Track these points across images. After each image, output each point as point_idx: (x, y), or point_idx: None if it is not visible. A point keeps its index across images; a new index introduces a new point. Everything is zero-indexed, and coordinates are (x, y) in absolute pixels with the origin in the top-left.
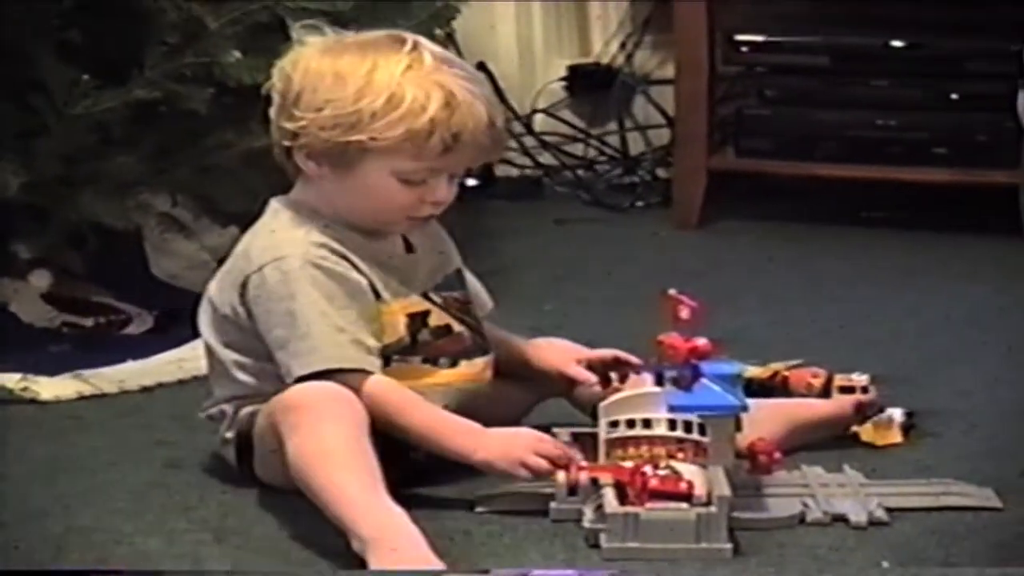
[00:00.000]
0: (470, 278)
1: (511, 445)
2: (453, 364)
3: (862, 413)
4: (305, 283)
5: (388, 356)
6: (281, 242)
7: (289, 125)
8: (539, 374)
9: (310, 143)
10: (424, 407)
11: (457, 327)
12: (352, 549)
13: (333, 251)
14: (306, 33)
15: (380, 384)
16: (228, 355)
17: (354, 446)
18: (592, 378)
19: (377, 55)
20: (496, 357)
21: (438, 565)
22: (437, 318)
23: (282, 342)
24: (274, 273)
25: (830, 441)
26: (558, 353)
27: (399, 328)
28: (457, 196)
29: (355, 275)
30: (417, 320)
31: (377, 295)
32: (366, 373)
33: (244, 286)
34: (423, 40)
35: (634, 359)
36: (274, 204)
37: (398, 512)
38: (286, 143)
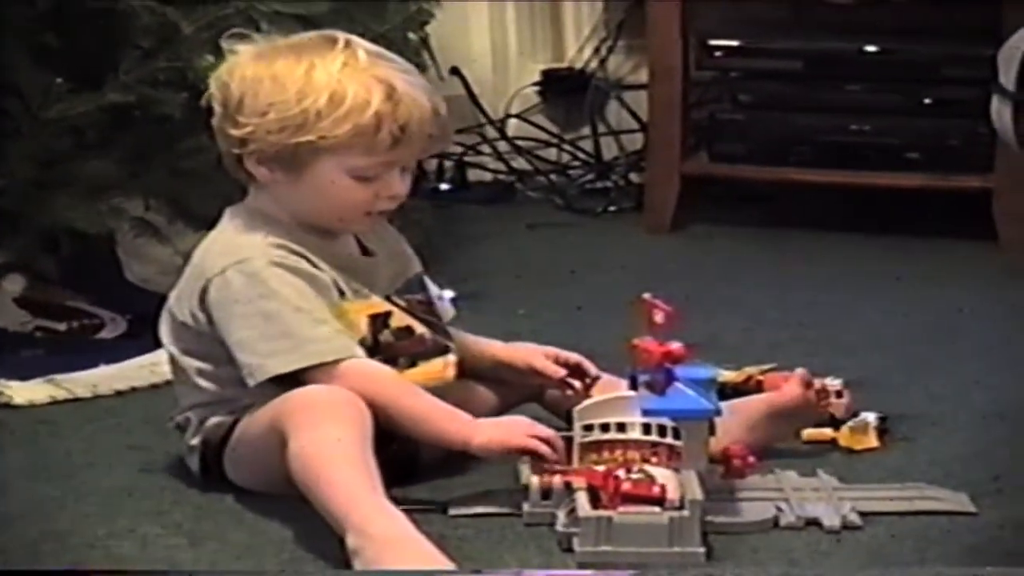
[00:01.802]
0: (431, 286)
1: (510, 430)
2: (411, 365)
3: (824, 400)
4: (273, 282)
5: None
6: (240, 245)
7: (235, 132)
8: (509, 371)
9: (259, 148)
10: (417, 393)
11: (419, 329)
12: (345, 547)
13: (292, 251)
14: (235, 42)
15: (367, 367)
16: (189, 362)
17: (357, 448)
18: (560, 371)
19: (312, 55)
20: (466, 359)
21: (448, 564)
22: (399, 319)
23: (247, 343)
24: (237, 276)
25: (805, 445)
26: (527, 350)
27: (361, 328)
28: (430, 199)
29: (318, 272)
30: (379, 321)
31: (341, 293)
32: (357, 358)
33: (204, 291)
34: (354, 38)
35: (593, 369)
36: (228, 212)
37: (399, 514)
38: (235, 151)
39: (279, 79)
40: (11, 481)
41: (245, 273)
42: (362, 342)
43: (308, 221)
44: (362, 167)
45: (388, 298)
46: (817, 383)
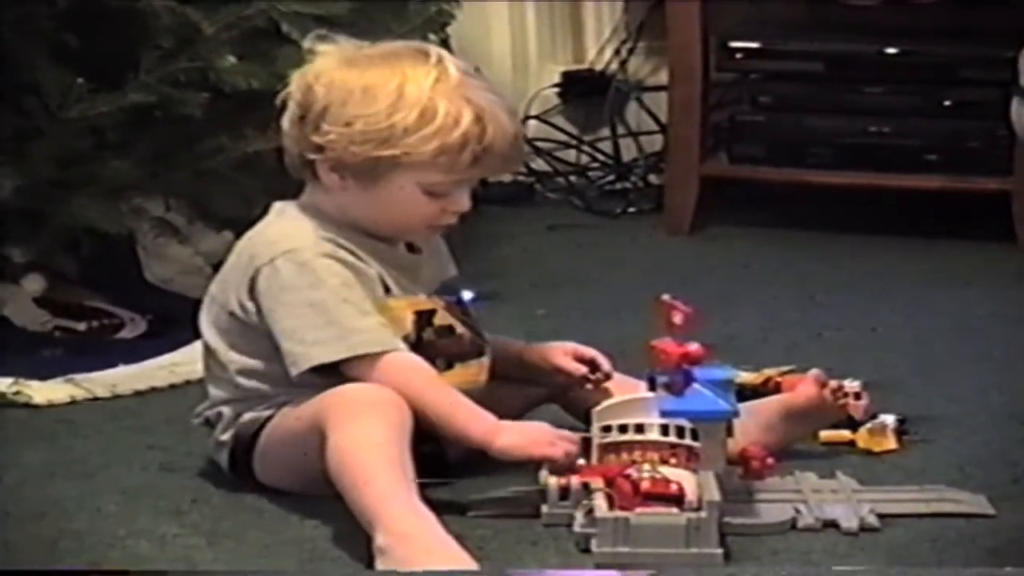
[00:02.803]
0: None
1: (532, 437)
2: (449, 367)
3: (842, 400)
4: (323, 272)
5: None
6: (291, 235)
7: (316, 139)
8: (532, 369)
9: (338, 156)
10: (445, 390)
11: (459, 328)
12: (371, 545)
13: (340, 245)
14: (319, 42)
15: (407, 360)
16: (231, 357)
17: (394, 446)
18: (581, 369)
19: (404, 68)
20: (493, 360)
21: (473, 565)
22: (442, 318)
23: (294, 332)
24: (288, 265)
25: (824, 447)
26: (549, 349)
27: (407, 324)
28: None
29: (365, 267)
30: (423, 318)
31: (387, 289)
32: (398, 351)
33: (254, 279)
34: (445, 53)
35: (605, 364)
36: (278, 206)
37: (431, 516)
38: (310, 155)
39: (370, 91)
40: (30, 480)
41: (295, 262)
42: (405, 338)
43: (367, 227)
44: (436, 183)
45: (430, 297)
46: (833, 383)
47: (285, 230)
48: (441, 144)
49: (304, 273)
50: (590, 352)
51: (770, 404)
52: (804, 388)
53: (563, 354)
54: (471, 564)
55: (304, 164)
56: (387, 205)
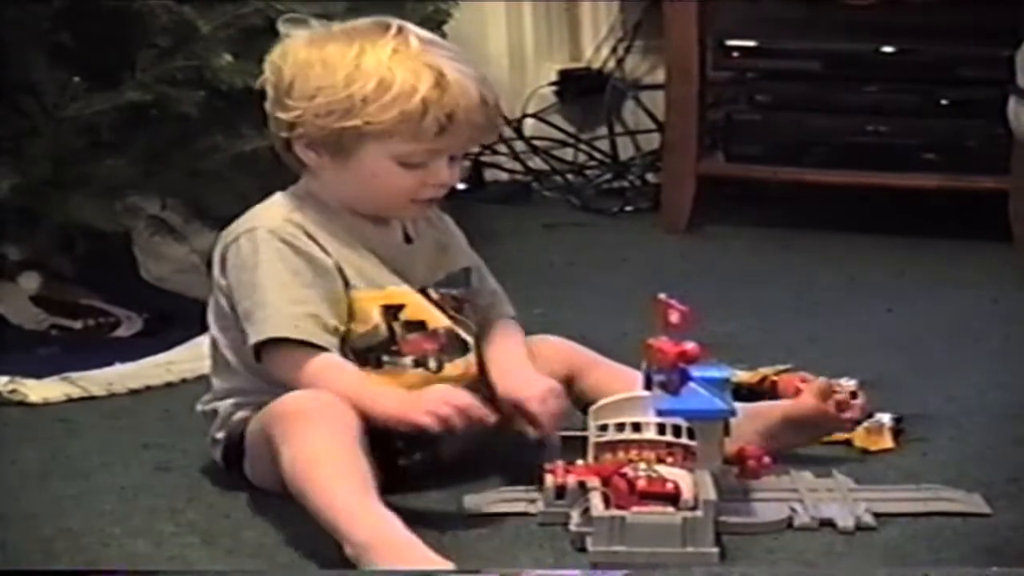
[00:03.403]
0: (491, 284)
1: (409, 402)
2: (439, 368)
3: (846, 411)
4: (271, 253)
5: (376, 354)
6: (259, 215)
7: (283, 115)
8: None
9: (307, 132)
10: (349, 376)
11: (433, 323)
12: (345, 555)
13: (306, 232)
14: (291, 26)
15: (327, 362)
16: (223, 346)
17: (346, 453)
18: (544, 429)
19: (364, 41)
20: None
21: (444, 565)
22: (412, 312)
23: (247, 313)
24: (246, 243)
25: (821, 446)
26: (527, 388)
27: (373, 316)
28: (446, 199)
29: (322, 255)
30: (390, 312)
31: (346, 282)
32: (319, 348)
33: (224, 256)
34: (408, 24)
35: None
36: (278, 193)
37: (391, 517)
38: (283, 134)
39: (329, 63)
40: (26, 479)
41: (252, 241)
42: (375, 331)
43: (354, 207)
44: (407, 153)
45: (424, 289)
46: (838, 395)
47: (257, 211)
48: (401, 111)
49: (255, 252)
50: (547, 409)
51: (772, 411)
52: (806, 398)
53: (537, 401)
54: (437, 562)
55: (285, 146)
56: (363, 179)
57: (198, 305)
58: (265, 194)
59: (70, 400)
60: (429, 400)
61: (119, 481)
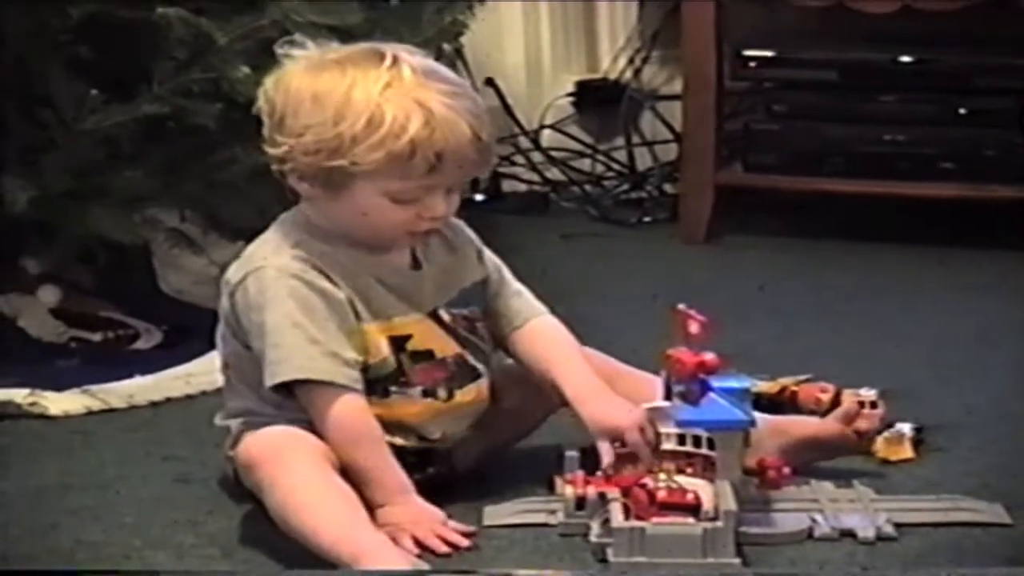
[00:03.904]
0: (515, 285)
1: (413, 519)
2: (449, 396)
3: (866, 436)
4: (281, 293)
5: (384, 384)
6: (264, 253)
7: (273, 151)
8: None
9: (297, 167)
10: (372, 448)
11: (440, 352)
12: None
13: (314, 266)
14: (290, 49)
15: (351, 409)
16: (232, 371)
17: (322, 486)
18: (610, 459)
19: (356, 72)
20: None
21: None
22: (419, 342)
23: (261, 354)
24: (253, 284)
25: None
26: (614, 411)
27: (382, 350)
28: (464, 210)
29: (333, 289)
30: (397, 343)
31: (357, 315)
32: (341, 387)
33: (232, 298)
34: (403, 53)
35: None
36: (281, 217)
37: (379, 534)
38: (275, 167)
39: (319, 98)
40: (46, 491)
41: (260, 281)
42: (384, 363)
43: (351, 236)
44: (397, 190)
45: (435, 312)
46: (862, 423)
47: (261, 247)
48: (388, 152)
49: (263, 292)
50: (640, 440)
51: (795, 429)
52: (831, 424)
53: (637, 433)
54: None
55: (281, 175)
56: (357, 213)
57: (216, 317)
58: (284, 206)
59: (90, 412)
60: (418, 523)
61: (139, 493)
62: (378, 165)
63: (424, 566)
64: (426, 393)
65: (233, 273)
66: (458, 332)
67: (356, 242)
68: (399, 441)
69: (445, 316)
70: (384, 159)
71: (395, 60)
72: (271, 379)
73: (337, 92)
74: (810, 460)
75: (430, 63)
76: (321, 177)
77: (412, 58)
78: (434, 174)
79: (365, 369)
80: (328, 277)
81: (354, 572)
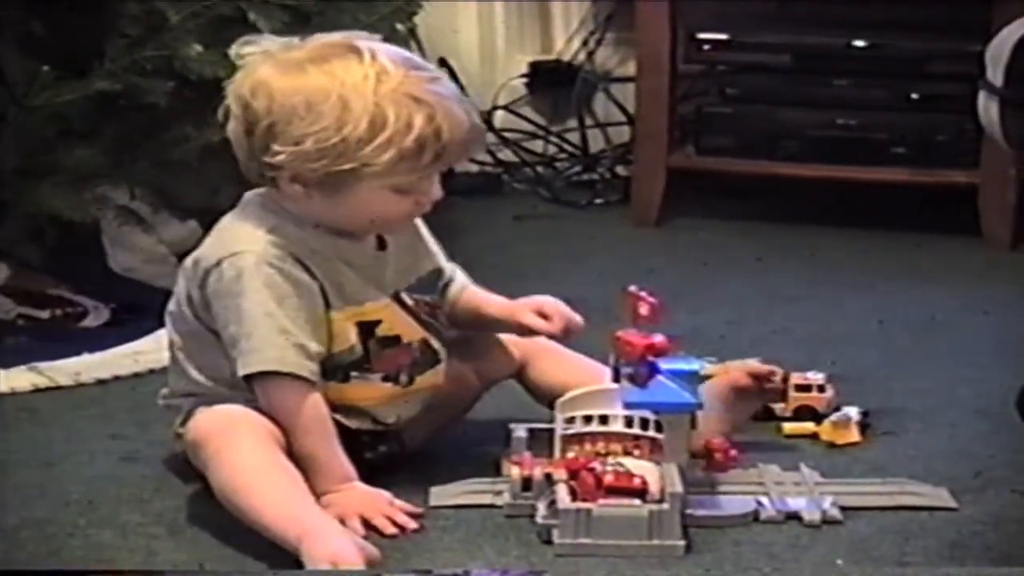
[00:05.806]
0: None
1: (360, 502)
2: (410, 382)
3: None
4: (257, 281)
5: (345, 370)
6: (240, 237)
7: (268, 159)
8: (501, 327)
9: (296, 173)
10: (321, 437)
11: (407, 337)
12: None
13: (291, 255)
14: (246, 47)
15: (309, 403)
16: (182, 351)
17: (267, 465)
18: (547, 327)
19: (340, 72)
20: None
21: (372, 551)
22: (386, 327)
23: (233, 340)
24: (229, 269)
25: (787, 439)
26: (516, 307)
27: (350, 337)
28: None
29: (308, 278)
30: (365, 329)
31: (327, 304)
32: (301, 380)
33: (204, 280)
34: (375, 45)
35: (575, 318)
36: (247, 196)
37: (324, 514)
38: (267, 173)
39: (313, 105)
40: None
41: (236, 267)
42: (351, 351)
43: (333, 227)
44: (404, 183)
45: (396, 295)
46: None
47: (235, 231)
48: (398, 151)
49: (239, 280)
50: (554, 307)
51: (718, 386)
52: (737, 372)
53: (529, 311)
54: (371, 550)
55: (260, 174)
56: (357, 209)
57: (166, 295)
58: (235, 185)
59: (37, 390)
60: (367, 504)
61: (85, 471)
62: (388, 164)
63: (371, 547)
64: (387, 379)
65: (205, 255)
66: (420, 316)
67: (327, 227)
68: (353, 424)
69: (408, 300)
70: (395, 157)
71: (373, 55)
72: (243, 369)
73: (331, 96)
74: (745, 409)
75: (401, 51)
76: (322, 180)
77: (383, 47)
78: (438, 162)
79: (329, 358)
80: (304, 266)
81: (330, 572)
